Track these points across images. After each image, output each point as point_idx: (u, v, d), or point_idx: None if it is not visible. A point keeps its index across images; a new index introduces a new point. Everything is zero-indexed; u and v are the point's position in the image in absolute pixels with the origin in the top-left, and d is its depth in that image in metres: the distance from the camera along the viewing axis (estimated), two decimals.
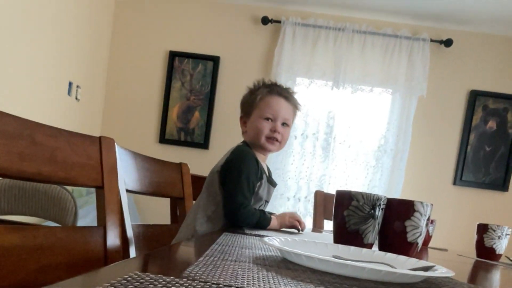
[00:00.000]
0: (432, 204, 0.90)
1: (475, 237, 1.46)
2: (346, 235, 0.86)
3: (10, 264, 0.71)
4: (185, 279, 0.38)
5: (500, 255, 1.42)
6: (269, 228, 1.28)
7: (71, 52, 3.06)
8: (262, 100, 1.38)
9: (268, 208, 1.48)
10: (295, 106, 1.43)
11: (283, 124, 1.38)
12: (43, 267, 0.77)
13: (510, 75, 3.50)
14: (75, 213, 1.93)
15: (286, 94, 1.39)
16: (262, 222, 1.26)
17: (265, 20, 3.52)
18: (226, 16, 3.64)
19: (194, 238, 1.08)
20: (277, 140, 1.36)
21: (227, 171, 1.30)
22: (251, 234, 0.99)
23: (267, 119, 1.36)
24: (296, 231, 1.34)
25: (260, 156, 1.39)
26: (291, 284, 0.43)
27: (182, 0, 3.65)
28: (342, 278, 0.51)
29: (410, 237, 0.87)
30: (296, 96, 1.44)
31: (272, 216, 1.32)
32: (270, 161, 3.45)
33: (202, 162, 3.57)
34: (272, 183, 1.42)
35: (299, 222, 1.34)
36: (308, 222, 3.42)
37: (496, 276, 0.98)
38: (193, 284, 0.37)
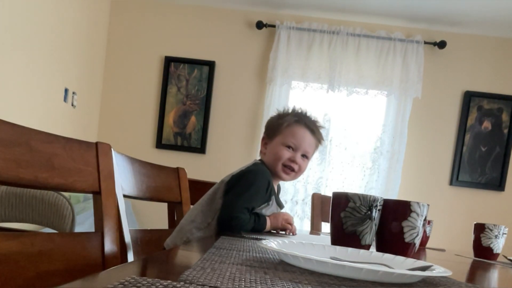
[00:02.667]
0: (428, 205, 0.91)
1: (472, 236, 1.46)
2: (343, 236, 0.86)
3: (8, 271, 0.71)
4: (183, 283, 0.38)
5: (497, 254, 1.43)
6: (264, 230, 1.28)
7: (67, 59, 3.06)
8: (288, 127, 1.37)
9: None
10: (318, 140, 1.42)
11: (303, 156, 1.37)
12: (41, 273, 0.77)
13: (504, 76, 3.52)
14: (73, 219, 1.93)
15: (313, 127, 1.39)
16: (257, 227, 1.26)
17: (259, 25, 3.53)
18: (221, 21, 3.65)
19: (190, 242, 1.08)
20: (293, 170, 1.36)
21: (236, 181, 1.28)
22: (248, 238, 0.99)
23: (289, 147, 1.35)
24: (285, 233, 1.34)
25: (273, 178, 1.38)
26: (289, 286, 0.43)
27: (177, 6, 3.66)
28: (340, 279, 0.51)
29: (407, 238, 0.87)
30: (321, 131, 1.44)
31: (266, 218, 1.31)
32: None
33: (199, 167, 3.58)
34: (279, 205, 1.42)
35: (291, 225, 1.34)
36: (306, 225, 3.44)
37: (493, 275, 0.98)
38: (190, 287, 0.37)
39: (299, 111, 1.42)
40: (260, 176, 1.29)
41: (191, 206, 1.44)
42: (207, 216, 1.29)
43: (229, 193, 1.27)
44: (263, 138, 1.44)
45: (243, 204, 1.23)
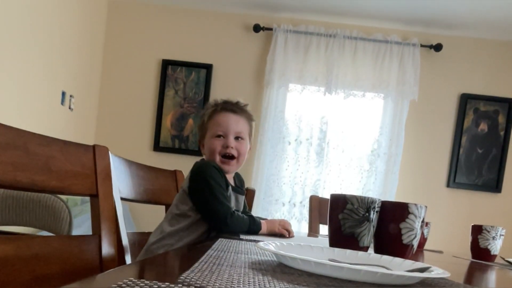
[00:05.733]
0: (426, 206, 0.91)
1: (469, 238, 1.47)
2: (341, 238, 0.86)
3: (4, 275, 0.71)
4: (180, 285, 0.38)
5: (495, 256, 1.43)
6: (259, 233, 1.28)
7: (64, 62, 3.05)
8: (210, 119, 1.36)
9: (264, 214, 1.48)
10: (247, 118, 1.38)
11: (237, 138, 1.35)
12: (38, 277, 0.77)
13: (500, 78, 3.54)
14: (70, 222, 1.92)
15: (233, 108, 1.35)
16: (252, 228, 1.26)
17: (256, 28, 3.53)
18: (218, 25, 3.65)
19: (188, 245, 1.08)
20: (232, 157, 1.33)
21: (196, 189, 1.27)
22: (246, 240, 0.99)
23: (219, 136, 1.34)
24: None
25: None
26: None
27: (175, 9, 3.66)
28: (338, 281, 0.51)
29: (405, 239, 0.87)
30: (248, 108, 1.39)
31: (261, 221, 1.31)
32: (265, 166, 3.46)
33: None
34: (239, 192, 1.40)
35: (288, 231, 1.33)
36: (304, 227, 3.44)
37: (491, 277, 0.98)
38: None
39: (219, 101, 1.39)
40: (207, 169, 1.27)
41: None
42: (178, 230, 1.27)
43: (201, 205, 1.26)
44: (199, 142, 1.44)
45: (220, 201, 1.23)
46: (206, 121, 1.37)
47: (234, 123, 1.34)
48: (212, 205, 1.23)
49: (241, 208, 1.43)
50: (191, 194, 1.28)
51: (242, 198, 1.43)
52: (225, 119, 1.34)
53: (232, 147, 1.33)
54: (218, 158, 1.33)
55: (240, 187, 1.44)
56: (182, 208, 1.29)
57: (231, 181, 1.38)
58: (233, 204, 1.35)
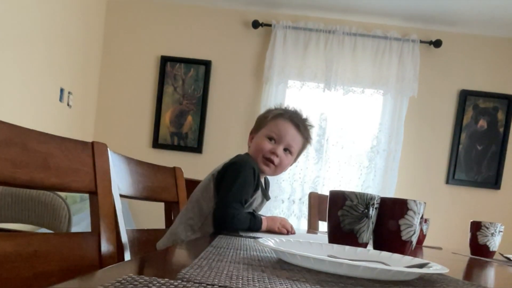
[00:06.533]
0: (425, 203, 0.91)
1: (468, 235, 1.47)
2: (340, 235, 0.86)
3: (4, 272, 0.71)
4: (180, 281, 0.38)
5: (493, 252, 1.43)
6: (260, 231, 1.28)
7: (62, 58, 3.05)
8: (272, 119, 1.36)
9: (263, 211, 1.47)
10: (305, 138, 1.39)
11: (286, 150, 1.35)
12: (37, 274, 0.77)
13: (499, 75, 3.54)
14: (69, 220, 1.92)
15: (298, 122, 1.36)
16: (253, 226, 1.26)
17: (255, 24, 3.53)
18: (217, 21, 3.64)
19: (186, 242, 1.08)
20: (273, 163, 1.33)
21: (223, 176, 1.27)
22: (246, 236, 0.99)
23: (271, 139, 1.34)
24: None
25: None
26: (286, 284, 0.43)
27: (173, 5, 3.65)
28: (337, 277, 0.51)
29: (404, 236, 0.88)
30: (310, 130, 1.40)
31: (262, 218, 1.31)
32: None
33: (196, 166, 3.57)
34: (266, 197, 1.41)
35: (288, 231, 1.34)
36: (303, 224, 3.44)
37: (490, 273, 0.99)
38: (187, 285, 0.37)
39: (291, 109, 1.40)
40: (243, 166, 1.28)
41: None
42: (201, 216, 1.28)
43: (221, 189, 1.26)
44: (251, 133, 1.44)
45: (234, 198, 1.22)
46: (269, 120, 1.37)
47: (292, 136, 1.34)
48: (226, 199, 1.22)
49: (261, 211, 1.43)
50: (218, 179, 1.28)
51: (265, 202, 1.43)
52: (285, 128, 1.34)
53: (277, 156, 1.33)
54: (260, 158, 1.33)
55: (267, 191, 1.45)
56: (203, 193, 1.30)
57: (263, 184, 1.39)
58: (256, 205, 1.36)
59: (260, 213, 1.42)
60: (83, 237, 0.91)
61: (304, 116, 1.40)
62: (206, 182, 1.32)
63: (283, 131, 1.33)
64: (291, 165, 1.43)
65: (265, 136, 1.34)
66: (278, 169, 1.36)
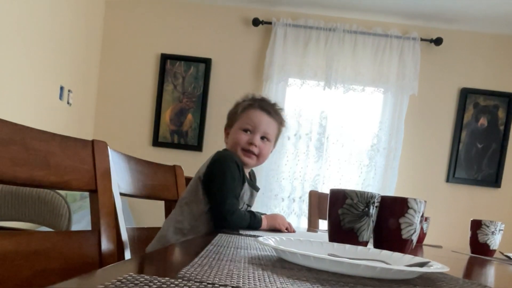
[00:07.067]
0: (425, 201, 0.91)
1: (469, 233, 1.47)
2: (341, 233, 0.86)
3: (4, 270, 0.71)
4: (180, 280, 0.38)
5: (494, 251, 1.43)
6: (260, 229, 1.28)
7: (62, 56, 3.04)
8: (243, 112, 1.36)
9: (263, 209, 1.48)
10: (279, 122, 1.40)
11: (263, 138, 1.36)
12: (37, 272, 0.77)
13: (500, 73, 3.53)
14: (69, 218, 1.92)
15: (268, 108, 1.36)
16: (253, 225, 1.26)
17: (256, 22, 3.52)
18: (217, 18, 3.64)
19: (188, 240, 1.08)
20: (253, 154, 1.34)
21: (210, 178, 1.27)
22: (246, 235, 0.99)
23: (246, 130, 1.34)
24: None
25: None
26: (287, 283, 0.43)
27: (173, 2, 3.64)
28: (338, 276, 0.51)
29: (404, 234, 0.87)
30: (282, 113, 1.41)
31: (262, 216, 1.31)
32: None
33: (196, 164, 3.55)
34: (254, 188, 1.41)
35: (288, 229, 1.34)
36: (303, 222, 3.45)
37: (490, 271, 0.99)
38: (188, 284, 0.37)
39: (257, 97, 1.40)
40: (226, 161, 1.28)
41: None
42: (191, 219, 1.28)
43: (212, 193, 1.26)
44: (225, 129, 1.44)
45: (228, 195, 1.23)
46: (239, 112, 1.37)
47: (266, 123, 1.35)
48: (220, 198, 1.23)
49: (253, 203, 1.43)
50: (205, 182, 1.28)
51: (255, 194, 1.43)
52: (258, 117, 1.35)
53: (255, 145, 1.33)
54: (240, 151, 1.34)
55: (255, 182, 1.45)
56: (192, 196, 1.30)
57: (248, 176, 1.39)
58: (247, 198, 1.36)
59: (259, 210, 1.43)
60: (83, 235, 0.91)
61: (270, 100, 1.40)
62: (194, 185, 1.31)
63: (256, 121, 1.34)
64: (272, 151, 1.43)
65: (240, 129, 1.35)
66: (260, 158, 1.37)
